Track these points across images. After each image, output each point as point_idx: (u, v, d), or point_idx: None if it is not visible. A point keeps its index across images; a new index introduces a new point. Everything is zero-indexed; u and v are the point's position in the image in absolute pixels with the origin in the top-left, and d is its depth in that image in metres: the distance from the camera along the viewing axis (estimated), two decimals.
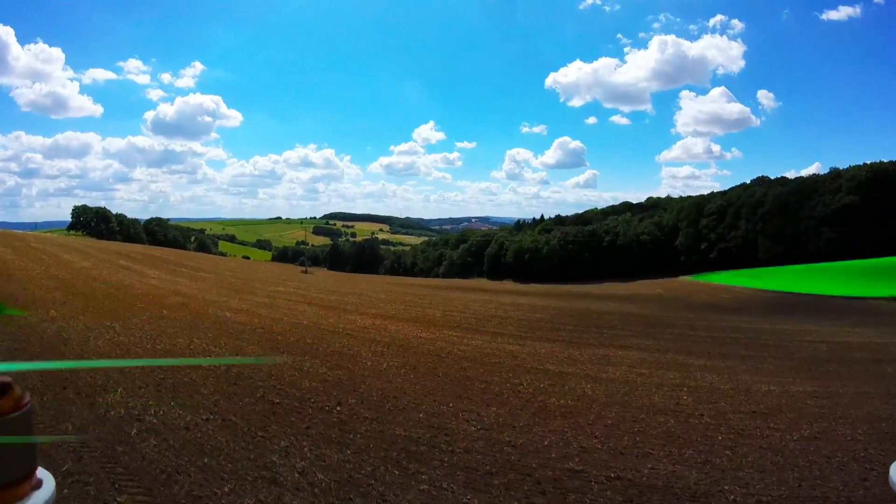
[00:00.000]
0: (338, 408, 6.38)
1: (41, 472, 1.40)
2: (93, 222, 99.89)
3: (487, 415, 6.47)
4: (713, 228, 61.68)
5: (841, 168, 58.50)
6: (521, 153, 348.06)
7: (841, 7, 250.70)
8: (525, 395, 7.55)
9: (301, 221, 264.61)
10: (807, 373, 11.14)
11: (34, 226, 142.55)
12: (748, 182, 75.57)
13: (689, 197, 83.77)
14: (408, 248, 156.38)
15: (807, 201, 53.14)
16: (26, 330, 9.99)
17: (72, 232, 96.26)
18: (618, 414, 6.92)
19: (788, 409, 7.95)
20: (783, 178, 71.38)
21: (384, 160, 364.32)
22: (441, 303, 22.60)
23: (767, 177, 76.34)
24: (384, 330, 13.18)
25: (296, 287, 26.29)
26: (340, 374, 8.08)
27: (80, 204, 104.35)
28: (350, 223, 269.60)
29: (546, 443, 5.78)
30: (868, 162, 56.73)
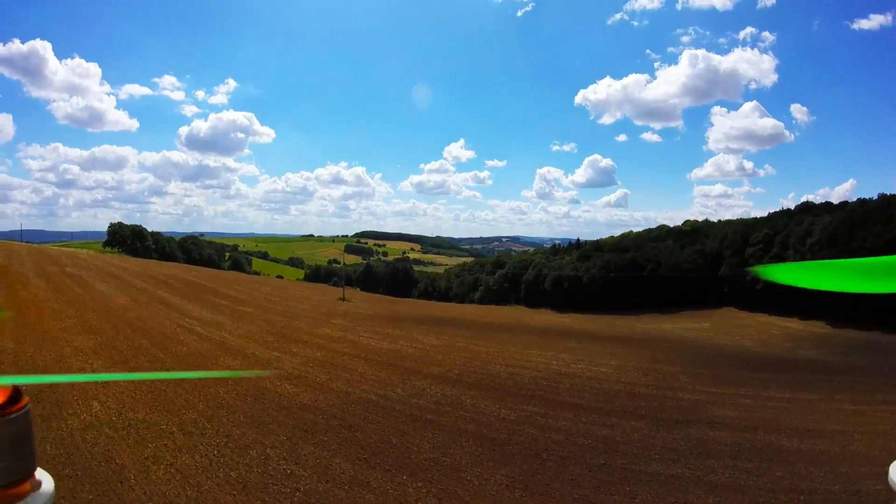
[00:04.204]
0: None
1: (40, 473, 1.40)
2: (128, 240, 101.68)
3: None
4: (759, 258, 60.24)
5: (888, 194, 57.07)
6: (552, 171, 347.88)
7: (872, 15, 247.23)
8: None
9: (333, 239, 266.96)
10: None
11: (70, 236, 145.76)
12: (792, 207, 74.31)
13: (731, 222, 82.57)
14: (440, 269, 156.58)
15: (858, 231, 51.55)
16: (69, 444, 8.28)
17: (107, 249, 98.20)
18: None
19: None
20: (828, 204, 69.94)
21: (414, 178, 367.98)
22: (497, 351, 22.22)
23: (812, 202, 74.94)
24: (460, 406, 12.70)
25: (343, 330, 25.70)
26: None
27: (115, 215, 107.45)
28: (381, 242, 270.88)
29: None
30: None
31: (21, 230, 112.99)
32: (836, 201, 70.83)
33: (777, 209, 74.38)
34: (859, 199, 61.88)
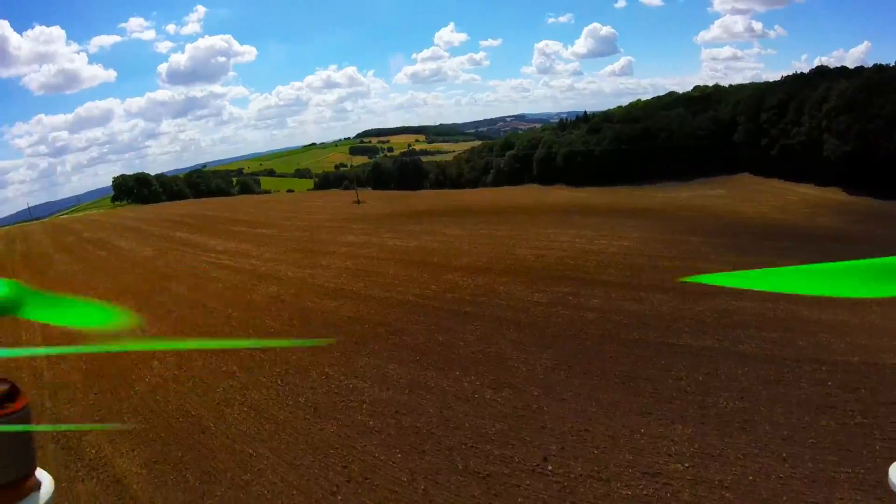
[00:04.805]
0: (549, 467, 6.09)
1: (40, 473, 1.44)
2: (135, 189, 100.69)
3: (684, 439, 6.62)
4: (774, 124, 58.78)
5: None
6: (550, 45, 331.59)
7: None
8: (720, 410, 7.15)
9: (335, 144, 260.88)
10: None
11: (77, 199, 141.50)
12: (806, 70, 71.17)
13: (743, 86, 79.92)
14: (448, 157, 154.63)
15: (875, 99, 49.52)
16: (143, 409, 8.32)
17: (117, 203, 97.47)
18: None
19: None
20: (844, 69, 66.94)
21: (408, 69, 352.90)
22: (520, 234, 22.54)
23: (826, 66, 71.76)
24: (495, 294, 13.09)
25: (366, 234, 25.74)
26: (508, 395, 7.84)
27: (115, 167, 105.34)
28: (385, 138, 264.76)
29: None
30: None
31: (29, 208, 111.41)
32: (851, 65, 67.76)
33: (790, 72, 70.94)
34: (876, 65, 59.15)
